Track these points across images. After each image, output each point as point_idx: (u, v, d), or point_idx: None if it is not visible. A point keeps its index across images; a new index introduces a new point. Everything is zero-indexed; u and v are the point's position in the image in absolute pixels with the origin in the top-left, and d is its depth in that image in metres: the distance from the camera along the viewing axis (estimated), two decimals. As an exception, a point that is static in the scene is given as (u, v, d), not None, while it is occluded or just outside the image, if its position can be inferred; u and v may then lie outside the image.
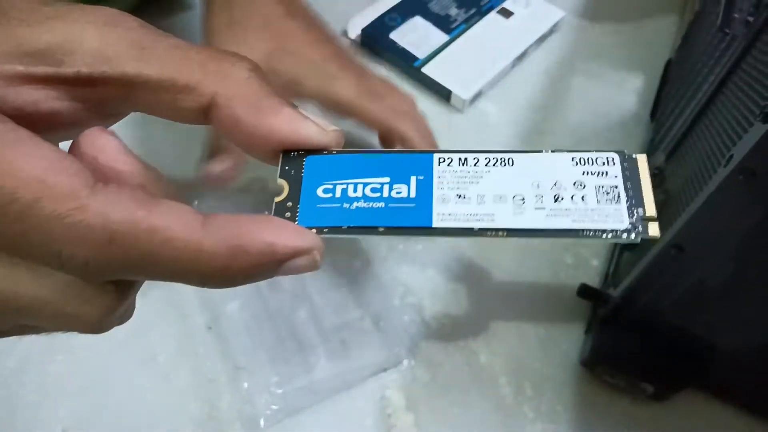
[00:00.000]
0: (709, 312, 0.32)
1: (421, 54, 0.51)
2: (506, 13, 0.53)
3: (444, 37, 0.52)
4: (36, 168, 0.15)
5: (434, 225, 0.19)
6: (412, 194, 0.20)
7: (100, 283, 0.17)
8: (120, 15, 0.19)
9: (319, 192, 0.20)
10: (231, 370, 0.38)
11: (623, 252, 0.38)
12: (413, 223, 0.19)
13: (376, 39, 0.52)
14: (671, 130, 0.40)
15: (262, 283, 0.40)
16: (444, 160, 0.20)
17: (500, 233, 0.19)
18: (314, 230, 0.19)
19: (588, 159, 0.20)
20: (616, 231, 0.19)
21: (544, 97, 0.51)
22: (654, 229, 0.19)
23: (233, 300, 0.40)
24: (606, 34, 0.56)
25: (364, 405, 0.38)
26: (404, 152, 0.21)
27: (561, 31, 0.55)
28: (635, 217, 0.19)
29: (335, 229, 0.19)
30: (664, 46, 0.54)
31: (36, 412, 0.36)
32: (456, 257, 0.43)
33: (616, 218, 0.19)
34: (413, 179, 0.20)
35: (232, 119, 0.18)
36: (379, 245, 0.43)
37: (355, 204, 0.20)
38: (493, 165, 0.20)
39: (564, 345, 0.40)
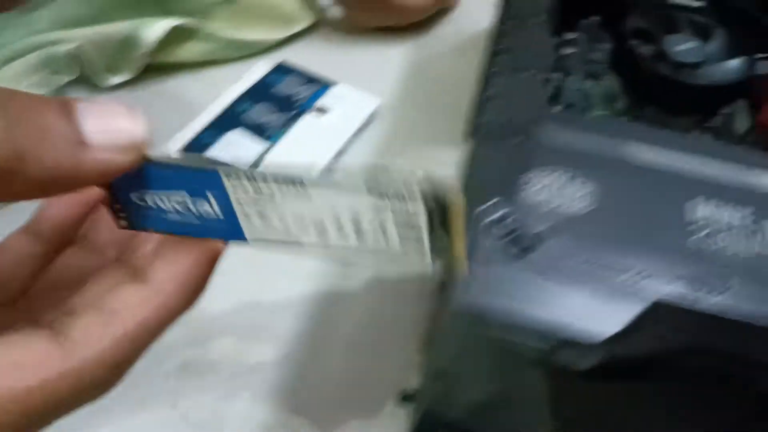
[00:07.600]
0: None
1: (242, 165, 0.51)
2: (321, 111, 0.54)
3: (264, 145, 0.52)
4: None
5: (249, 239, 0.20)
6: (217, 210, 0.20)
7: None
8: None
9: (135, 199, 0.20)
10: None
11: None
12: (233, 237, 0.20)
13: (196, 158, 0.52)
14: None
15: None
16: (231, 175, 0.20)
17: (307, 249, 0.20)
18: (151, 230, 0.21)
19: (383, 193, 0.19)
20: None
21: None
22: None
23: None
24: (425, 112, 0.57)
25: None
26: (191, 168, 0.20)
27: (380, 117, 0.56)
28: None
29: (167, 232, 0.21)
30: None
31: None
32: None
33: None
34: (210, 195, 0.20)
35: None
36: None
37: (170, 215, 0.20)
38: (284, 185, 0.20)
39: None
